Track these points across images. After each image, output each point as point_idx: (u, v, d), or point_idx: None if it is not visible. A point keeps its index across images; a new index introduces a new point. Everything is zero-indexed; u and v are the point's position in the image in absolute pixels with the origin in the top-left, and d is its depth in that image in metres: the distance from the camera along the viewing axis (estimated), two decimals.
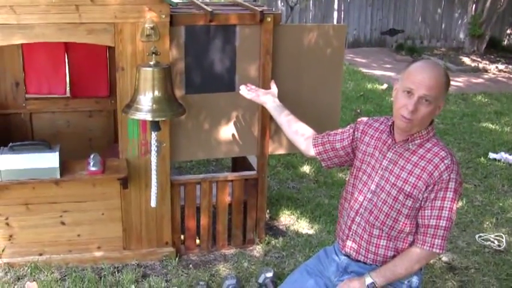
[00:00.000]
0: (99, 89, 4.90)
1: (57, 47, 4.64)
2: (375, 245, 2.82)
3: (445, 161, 2.64)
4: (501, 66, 11.60)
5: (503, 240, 4.81)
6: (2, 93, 4.68)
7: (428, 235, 2.67)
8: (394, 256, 2.79)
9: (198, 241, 4.47)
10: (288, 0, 11.73)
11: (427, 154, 2.68)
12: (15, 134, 4.68)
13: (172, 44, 3.89)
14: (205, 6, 4.03)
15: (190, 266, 4.30)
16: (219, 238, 4.49)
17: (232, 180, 4.38)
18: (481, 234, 4.90)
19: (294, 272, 3.17)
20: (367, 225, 2.83)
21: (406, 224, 2.73)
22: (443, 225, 2.64)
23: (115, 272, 4.15)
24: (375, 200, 2.80)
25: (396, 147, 2.76)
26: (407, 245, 2.77)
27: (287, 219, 5.05)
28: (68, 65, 4.80)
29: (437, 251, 2.68)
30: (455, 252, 4.62)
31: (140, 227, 4.21)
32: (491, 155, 6.61)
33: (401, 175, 2.71)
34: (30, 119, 4.81)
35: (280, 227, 4.90)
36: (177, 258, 4.31)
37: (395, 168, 2.74)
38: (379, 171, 2.80)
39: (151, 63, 3.65)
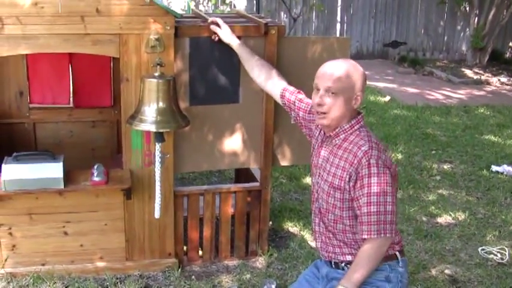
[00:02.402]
0: (102, 99, 4.91)
1: (61, 57, 4.66)
2: (335, 239, 2.88)
3: (362, 148, 2.69)
4: (503, 79, 11.60)
5: (506, 253, 4.80)
6: (6, 103, 4.70)
7: (364, 224, 2.67)
8: (355, 247, 2.82)
9: (200, 252, 4.46)
10: (291, 12, 11.76)
11: (350, 146, 2.74)
12: (19, 144, 4.69)
13: (177, 55, 3.91)
14: (209, 18, 4.04)
15: (193, 277, 4.29)
16: (222, 249, 4.48)
17: (235, 192, 4.38)
18: (483, 247, 4.90)
19: (295, 282, 3.19)
20: (322, 223, 2.92)
21: (344, 216, 2.78)
22: (374, 210, 2.64)
23: (117, 283, 4.14)
24: (319, 199, 2.89)
25: (327, 144, 2.86)
26: (359, 236, 2.78)
27: (290, 230, 5.05)
28: (72, 75, 4.81)
29: (375, 236, 2.65)
30: (457, 265, 4.62)
31: (143, 238, 4.21)
32: (494, 168, 6.61)
33: (331, 170, 2.78)
34: (33, 129, 4.83)
35: (283, 239, 4.90)
36: (179, 269, 4.30)
37: (327, 165, 2.82)
38: (317, 171, 2.90)
39: (156, 74, 3.66)
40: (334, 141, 2.81)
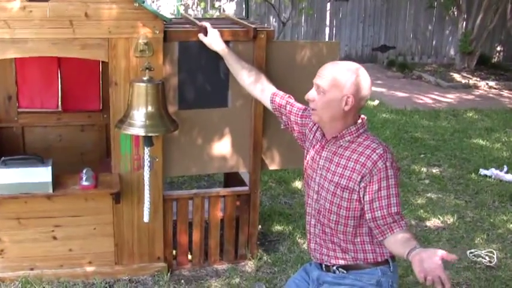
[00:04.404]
0: (91, 103, 4.90)
1: (50, 61, 4.64)
2: (330, 241, 2.89)
3: (377, 151, 2.72)
4: (491, 83, 11.68)
5: (495, 256, 4.82)
6: None
7: (389, 224, 2.69)
8: (351, 250, 2.84)
9: (190, 256, 4.46)
10: (280, 16, 11.78)
11: (359, 147, 2.77)
12: (7, 148, 4.66)
13: (166, 59, 3.91)
14: (198, 23, 4.05)
15: (182, 281, 4.29)
16: (211, 253, 4.48)
17: (224, 196, 4.38)
18: (472, 250, 4.92)
19: (284, 286, 3.19)
20: (318, 225, 2.92)
21: (348, 217, 2.79)
22: (396, 210, 2.69)
23: (107, 287, 4.13)
24: (319, 199, 2.88)
25: (329, 145, 2.86)
26: (359, 237, 2.81)
27: (279, 234, 5.05)
28: (61, 78, 4.80)
29: (404, 228, 2.68)
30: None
31: (132, 242, 4.20)
32: (482, 171, 6.63)
33: (337, 171, 2.79)
34: (22, 133, 4.80)
35: (273, 243, 4.90)
36: (168, 274, 4.30)
37: (331, 165, 2.82)
38: (317, 171, 2.89)
39: (145, 78, 3.66)
40: (339, 142, 2.82)
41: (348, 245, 2.84)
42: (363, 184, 2.71)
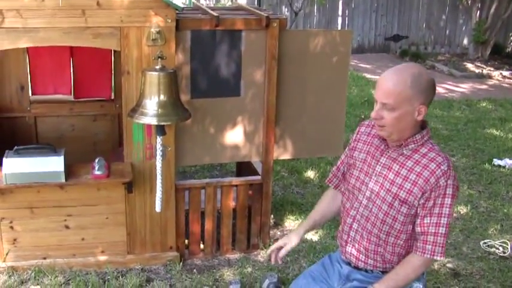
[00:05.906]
0: (103, 91, 4.91)
1: (62, 50, 4.65)
2: (373, 251, 2.79)
3: (442, 167, 2.58)
4: (505, 73, 11.58)
5: (508, 246, 4.79)
6: (7, 97, 4.69)
7: (428, 243, 2.63)
8: (392, 262, 2.77)
9: (202, 246, 4.46)
10: (292, 6, 11.74)
11: (423, 159, 2.62)
12: (20, 138, 4.68)
13: (178, 48, 3.89)
14: (211, 11, 4.04)
15: (195, 270, 4.29)
16: (223, 243, 4.48)
17: (236, 185, 4.37)
18: (485, 240, 4.89)
19: (299, 277, 3.12)
20: (364, 232, 2.79)
21: (402, 230, 2.70)
22: (443, 232, 2.61)
23: (119, 277, 4.14)
24: (370, 207, 2.75)
25: (390, 152, 2.71)
26: (406, 250, 2.75)
27: (291, 224, 5.04)
28: (73, 67, 4.80)
29: (439, 257, 2.64)
30: (459, 258, 4.61)
31: (144, 232, 4.20)
32: (496, 161, 6.59)
33: (396, 181, 2.66)
34: (35, 123, 4.82)
35: (285, 232, 4.89)
36: (181, 263, 4.30)
37: (390, 173, 2.68)
38: (373, 177, 2.75)
39: (157, 67, 3.65)
40: (401, 150, 2.67)
41: (392, 257, 2.76)
42: (422, 201, 2.61)
